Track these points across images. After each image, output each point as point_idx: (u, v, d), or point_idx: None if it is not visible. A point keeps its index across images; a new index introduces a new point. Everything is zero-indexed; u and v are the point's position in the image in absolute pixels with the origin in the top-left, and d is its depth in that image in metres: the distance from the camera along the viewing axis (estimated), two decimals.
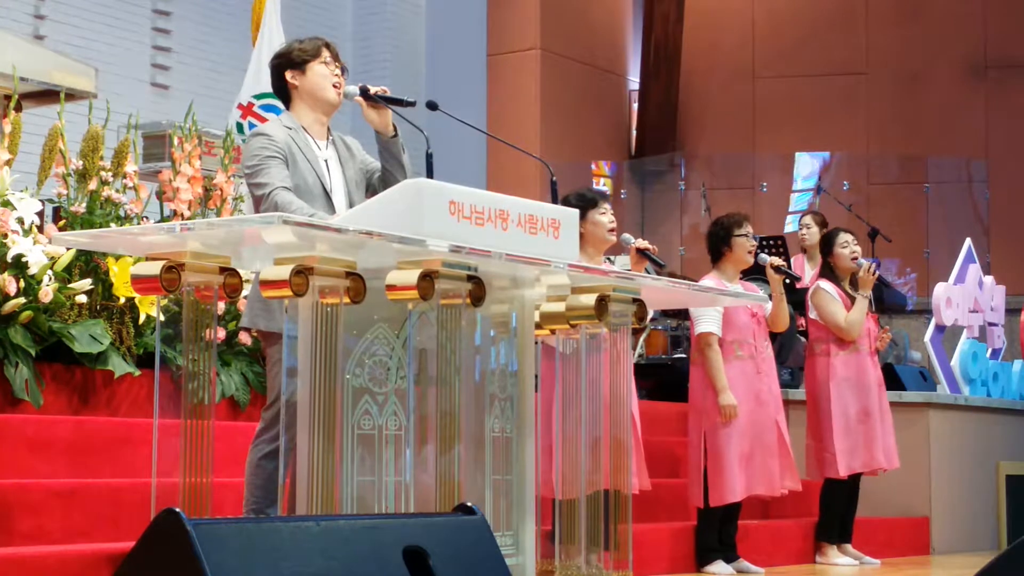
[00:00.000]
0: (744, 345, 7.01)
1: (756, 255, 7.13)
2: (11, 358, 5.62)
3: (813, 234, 9.78)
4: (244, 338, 6.57)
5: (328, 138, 4.91)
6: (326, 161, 4.83)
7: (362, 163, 4.97)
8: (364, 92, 4.84)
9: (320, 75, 4.85)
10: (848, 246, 7.65)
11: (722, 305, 6.80)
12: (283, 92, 4.94)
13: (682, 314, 9.39)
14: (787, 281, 7.17)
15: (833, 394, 7.57)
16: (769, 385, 7.07)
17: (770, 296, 7.11)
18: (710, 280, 7.01)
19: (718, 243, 7.10)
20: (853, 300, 7.59)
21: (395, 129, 4.91)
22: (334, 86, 4.86)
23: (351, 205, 4.78)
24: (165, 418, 4.24)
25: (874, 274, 7.59)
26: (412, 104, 4.84)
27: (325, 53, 4.87)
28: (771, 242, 10.28)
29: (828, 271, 7.73)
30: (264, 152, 4.68)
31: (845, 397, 7.58)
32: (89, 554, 4.33)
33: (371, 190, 4.96)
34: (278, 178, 4.63)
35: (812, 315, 7.73)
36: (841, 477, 7.55)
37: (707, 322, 6.93)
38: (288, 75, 4.87)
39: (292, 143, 4.75)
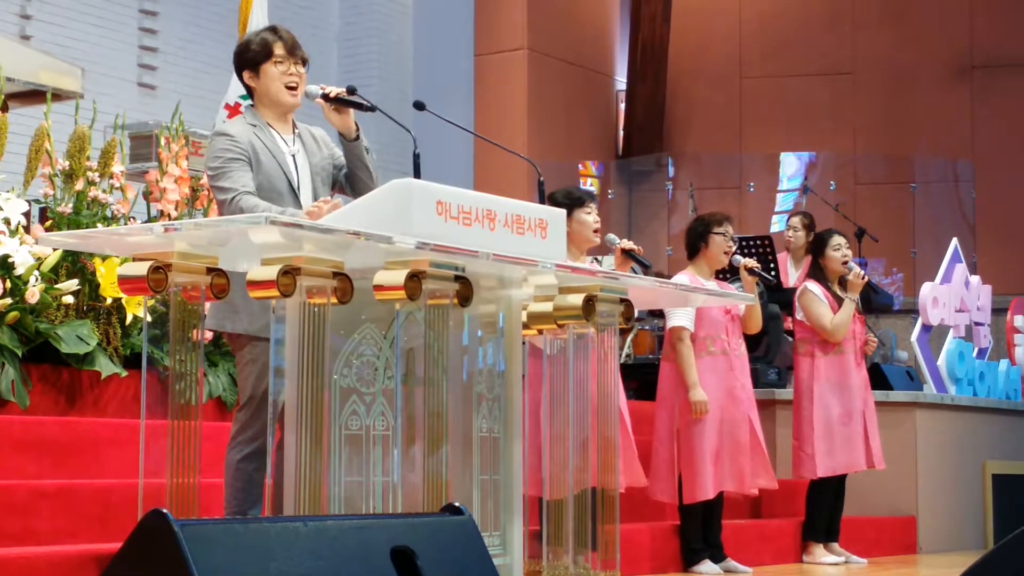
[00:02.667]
0: (716, 341, 7.01)
1: (731, 256, 7.13)
2: None
3: (799, 236, 9.78)
4: None
5: (294, 132, 4.86)
6: (293, 156, 4.79)
7: (331, 156, 4.91)
8: (326, 96, 4.75)
9: (272, 78, 4.75)
10: (840, 249, 7.66)
11: (704, 304, 6.81)
12: (246, 87, 4.89)
13: None
14: (760, 284, 7.15)
15: (816, 395, 7.59)
16: (743, 382, 7.07)
17: None
18: (685, 276, 7.01)
19: (696, 239, 7.11)
20: (840, 302, 7.61)
21: (358, 129, 4.85)
22: (288, 87, 4.75)
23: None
24: (152, 419, 4.23)
25: (863, 279, 7.60)
26: (372, 109, 4.78)
27: (277, 50, 4.75)
28: (758, 242, 10.28)
29: (817, 272, 7.74)
30: (226, 154, 4.63)
31: (827, 399, 7.59)
32: (76, 555, 4.33)
33: (337, 186, 4.94)
34: (240, 183, 4.59)
35: (799, 316, 7.74)
36: (816, 478, 7.57)
37: (679, 317, 6.93)
38: (245, 76, 4.82)
39: (256, 141, 4.70)
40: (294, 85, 4.78)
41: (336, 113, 4.80)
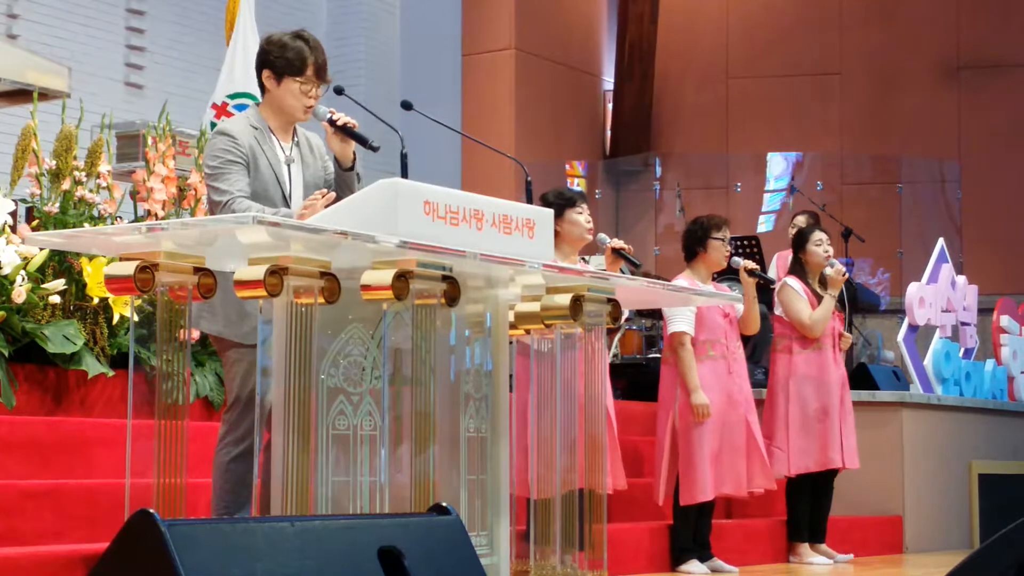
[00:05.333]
0: (716, 345, 7.03)
1: (730, 258, 7.15)
2: None
3: None
4: None
5: (293, 140, 4.86)
6: (289, 166, 4.78)
7: (324, 168, 4.90)
8: (331, 122, 4.73)
9: (292, 94, 4.74)
10: (822, 244, 7.68)
11: (696, 305, 6.82)
12: (259, 80, 4.85)
13: (656, 314, 9.41)
14: (760, 284, 7.18)
15: (792, 391, 7.60)
16: (740, 384, 7.09)
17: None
18: (683, 280, 7.02)
19: (694, 243, 7.11)
20: (820, 298, 7.62)
21: (354, 158, 4.84)
22: (304, 107, 4.74)
23: None
24: (139, 418, 4.23)
25: (844, 276, 7.62)
26: (375, 149, 4.74)
27: (308, 72, 4.72)
28: (745, 242, 10.29)
29: (798, 268, 7.76)
30: (226, 155, 4.63)
31: (804, 395, 7.60)
32: (63, 555, 4.32)
33: None
34: (236, 187, 4.59)
35: (777, 311, 7.76)
36: (789, 475, 7.59)
37: (680, 322, 6.95)
38: (265, 73, 4.79)
39: (256, 145, 4.70)
40: (311, 106, 4.77)
41: (337, 139, 4.78)
